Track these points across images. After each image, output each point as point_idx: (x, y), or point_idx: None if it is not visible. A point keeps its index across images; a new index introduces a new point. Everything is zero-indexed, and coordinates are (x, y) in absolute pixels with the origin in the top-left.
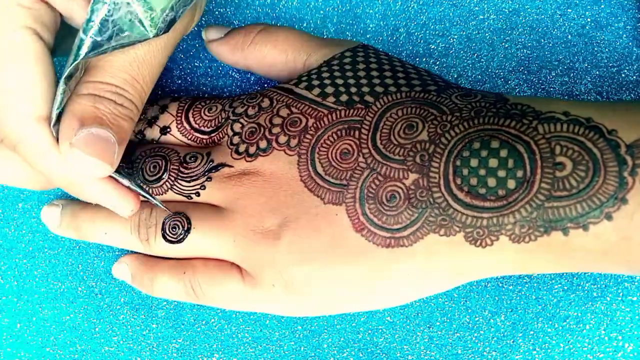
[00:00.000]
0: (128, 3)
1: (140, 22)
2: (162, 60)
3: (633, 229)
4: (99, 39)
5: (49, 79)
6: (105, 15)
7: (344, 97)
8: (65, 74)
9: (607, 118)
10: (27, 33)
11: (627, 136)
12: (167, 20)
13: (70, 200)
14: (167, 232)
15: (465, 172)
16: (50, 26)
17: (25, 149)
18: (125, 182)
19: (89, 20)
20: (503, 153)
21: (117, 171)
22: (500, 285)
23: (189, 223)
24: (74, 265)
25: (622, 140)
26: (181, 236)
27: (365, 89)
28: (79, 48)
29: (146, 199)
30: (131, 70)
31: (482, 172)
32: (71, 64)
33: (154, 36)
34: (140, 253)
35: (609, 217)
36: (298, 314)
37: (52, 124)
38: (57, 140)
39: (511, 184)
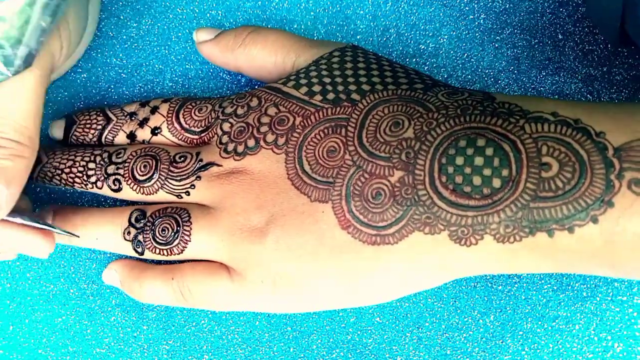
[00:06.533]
0: None
1: None
2: (38, 91)
3: (618, 232)
4: None
5: None
6: None
7: (330, 96)
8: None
9: (596, 120)
10: None
11: (615, 139)
12: (22, 55)
13: (62, 207)
14: (157, 234)
15: (450, 170)
16: None
17: None
18: (18, 219)
19: None
20: (489, 151)
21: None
22: (490, 285)
23: (179, 225)
24: (65, 268)
25: (610, 142)
26: (170, 238)
27: (352, 87)
28: None
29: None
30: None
31: (468, 170)
32: None
33: (14, 74)
34: (132, 257)
35: (594, 219)
36: (287, 310)
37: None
38: None
39: (496, 182)
